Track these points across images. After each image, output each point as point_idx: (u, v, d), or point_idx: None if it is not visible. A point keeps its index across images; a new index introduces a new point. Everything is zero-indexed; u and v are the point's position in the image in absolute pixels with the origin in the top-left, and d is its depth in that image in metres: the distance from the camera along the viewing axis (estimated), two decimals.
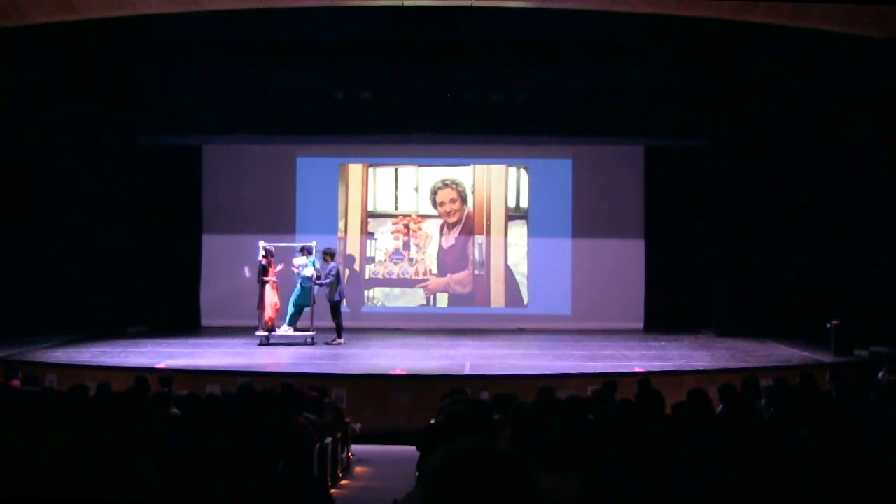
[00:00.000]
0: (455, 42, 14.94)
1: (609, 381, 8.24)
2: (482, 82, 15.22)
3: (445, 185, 16.96)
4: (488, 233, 16.92)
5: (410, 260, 16.95)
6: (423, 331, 15.85)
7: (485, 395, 9.18)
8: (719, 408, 6.96)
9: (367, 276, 16.98)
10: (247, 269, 16.35)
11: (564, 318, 16.63)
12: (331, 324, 14.06)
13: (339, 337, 13.96)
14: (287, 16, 14.12)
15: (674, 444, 4.19)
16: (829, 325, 12.47)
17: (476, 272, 16.91)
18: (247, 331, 14.51)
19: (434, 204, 16.95)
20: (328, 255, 14.08)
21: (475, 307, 16.87)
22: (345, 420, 8.91)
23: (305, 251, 14.12)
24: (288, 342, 13.77)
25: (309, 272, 13.93)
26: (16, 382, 8.68)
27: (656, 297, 16.40)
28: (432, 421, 7.30)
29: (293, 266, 14.19)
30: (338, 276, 14.10)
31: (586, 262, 16.69)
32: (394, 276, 16.97)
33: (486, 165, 16.94)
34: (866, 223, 14.13)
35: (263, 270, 14.09)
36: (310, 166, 17.01)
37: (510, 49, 15.12)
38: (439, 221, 16.95)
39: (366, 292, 16.99)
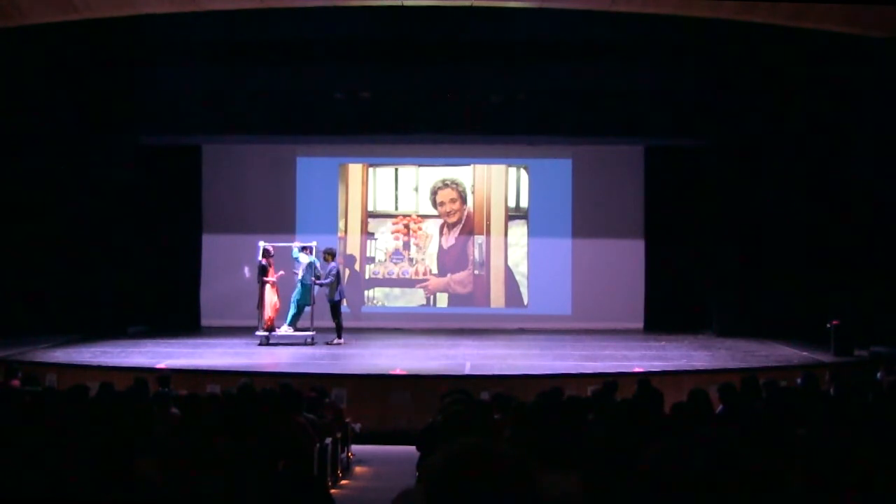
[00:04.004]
0: (455, 42, 14.93)
1: (609, 381, 8.24)
2: (482, 82, 15.22)
3: (445, 185, 16.96)
4: (488, 233, 16.92)
5: (410, 260, 16.95)
6: (423, 331, 15.85)
7: (485, 395, 9.17)
8: (719, 408, 6.95)
9: (367, 276, 16.98)
10: (247, 269, 16.35)
11: (564, 318, 16.63)
12: (331, 324, 14.06)
13: (339, 337, 13.97)
14: (287, 16, 14.12)
15: (674, 444, 4.19)
16: (829, 325, 12.47)
17: (476, 272, 16.92)
18: (247, 331, 14.51)
19: (434, 204, 16.95)
20: (328, 255, 14.08)
21: (475, 307, 16.87)
22: (345, 420, 8.91)
23: (306, 251, 14.14)
24: (288, 342, 13.77)
25: (305, 260, 13.92)
26: (16, 382, 8.69)
27: (656, 297, 16.40)
28: (432, 421, 7.30)
29: (294, 270, 14.18)
30: (338, 276, 14.10)
31: (586, 262, 16.68)
32: (394, 276, 16.97)
33: (486, 165, 16.94)
34: (866, 223, 14.13)
35: (263, 270, 14.09)
36: (310, 166, 17.01)
37: (510, 49, 15.11)
38: (439, 221, 16.95)
39: (366, 292, 16.99)
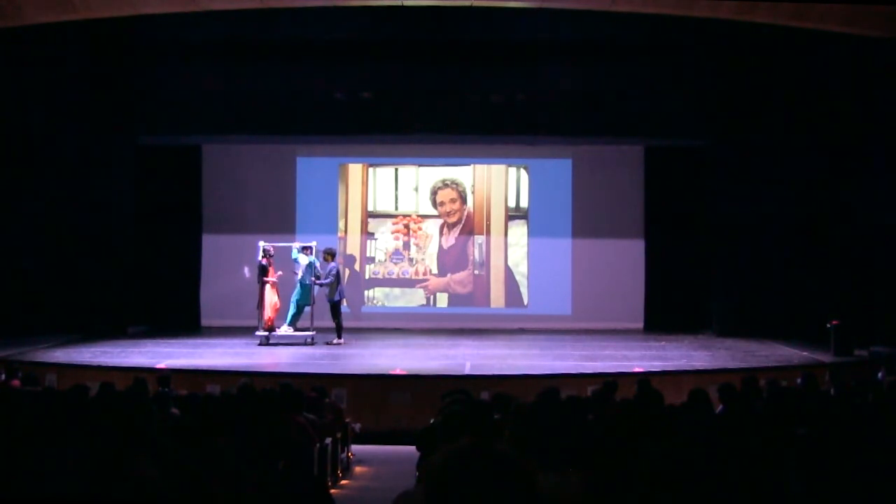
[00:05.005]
0: (455, 42, 14.93)
1: (609, 381, 8.23)
2: (482, 82, 15.21)
3: (445, 185, 16.96)
4: (488, 233, 16.92)
5: (410, 260, 16.95)
6: (423, 331, 15.84)
7: (485, 395, 9.17)
8: (719, 408, 6.95)
9: (367, 276, 16.98)
10: (247, 269, 16.35)
11: (564, 318, 16.63)
12: (331, 324, 14.07)
13: (339, 337, 13.97)
14: (287, 16, 14.11)
15: (674, 444, 4.19)
16: (829, 325, 12.47)
17: (476, 272, 16.91)
18: (247, 331, 14.51)
19: (434, 204, 16.95)
20: (328, 255, 14.08)
21: (475, 307, 16.87)
22: (345, 420, 8.91)
23: (306, 251, 14.14)
24: (288, 342, 13.77)
25: (304, 260, 13.93)
26: (16, 382, 8.68)
27: (656, 297, 16.40)
28: (432, 421, 7.30)
29: (294, 271, 14.17)
30: (338, 276, 14.10)
31: (586, 262, 16.69)
32: (394, 276, 16.97)
33: (486, 165, 16.94)
34: (866, 223, 14.13)
35: (263, 271, 14.09)
36: (310, 166, 17.01)
37: (510, 49, 15.10)
38: (439, 221, 16.95)
39: (366, 292, 16.99)
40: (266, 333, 13.82)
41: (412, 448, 7.25)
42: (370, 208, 17.00)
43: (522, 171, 16.96)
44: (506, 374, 11.32)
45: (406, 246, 16.96)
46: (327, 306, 14.07)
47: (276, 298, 14.08)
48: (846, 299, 13.64)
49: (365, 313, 16.85)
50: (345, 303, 14.48)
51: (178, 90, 15.25)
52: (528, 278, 16.89)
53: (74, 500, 3.49)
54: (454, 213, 16.94)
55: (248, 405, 6.63)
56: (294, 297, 14.07)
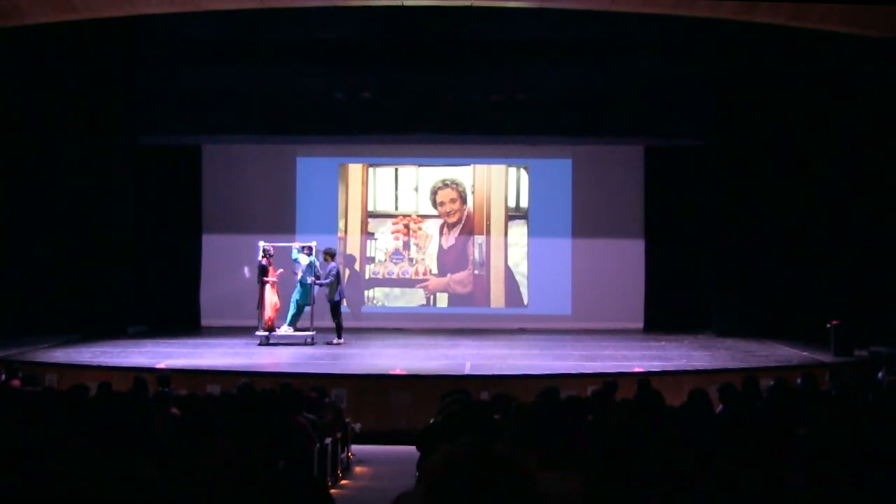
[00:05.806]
0: (455, 42, 14.93)
1: (609, 381, 8.24)
2: (482, 82, 15.21)
3: (445, 185, 16.95)
4: (488, 233, 16.91)
5: (410, 260, 16.95)
6: (423, 331, 15.84)
7: (485, 395, 9.17)
8: (719, 408, 6.95)
9: (367, 276, 16.98)
10: (247, 269, 16.35)
11: (564, 318, 16.63)
12: (331, 324, 14.07)
13: (339, 337, 13.97)
14: (287, 16, 14.12)
15: (674, 444, 4.19)
16: (829, 325, 12.47)
17: (476, 272, 16.91)
18: (247, 331, 14.51)
19: (434, 204, 16.95)
20: (328, 255, 14.08)
21: (475, 307, 16.86)
22: (345, 420, 8.91)
23: (306, 251, 14.14)
24: (288, 342, 13.77)
25: (304, 260, 13.93)
26: (16, 382, 8.68)
27: (656, 297, 16.40)
28: (432, 421, 7.29)
29: (295, 271, 14.17)
30: (338, 276, 14.10)
31: (586, 262, 16.68)
32: (394, 276, 16.97)
33: (486, 165, 16.94)
34: (866, 223, 14.13)
35: (263, 271, 14.09)
36: (310, 166, 17.01)
37: (510, 49, 15.11)
38: (439, 221, 16.95)
39: (366, 292, 16.99)
40: (266, 333, 13.83)
41: (412, 448, 7.25)
42: (370, 208, 17.00)
43: (522, 171, 16.96)
44: (506, 374, 11.32)
45: (406, 246, 16.96)
46: (327, 306, 14.07)
47: (276, 298, 14.08)
48: (846, 299, 13.64)
49: (365, 313, 16.85)
50: (345, 303, 14.48)
51: (178, 90, 15.25)
52: (528, 278, 16.88)
53: (74, 500, 3.49)
54: (454, 213, 16.94)
55: (248, 405, 6.63)
56: (294, 297, 14.07)
